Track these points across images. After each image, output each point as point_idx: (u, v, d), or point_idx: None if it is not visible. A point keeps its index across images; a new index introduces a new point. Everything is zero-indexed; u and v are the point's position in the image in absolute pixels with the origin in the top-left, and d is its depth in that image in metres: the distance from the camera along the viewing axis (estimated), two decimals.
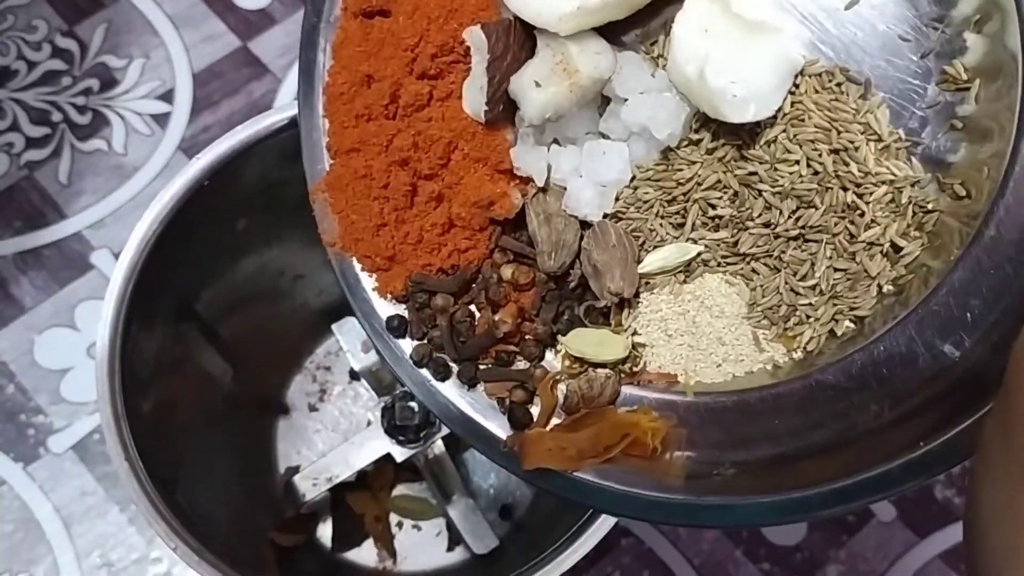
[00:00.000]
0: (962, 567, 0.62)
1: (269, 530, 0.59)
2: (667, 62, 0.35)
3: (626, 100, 0.36)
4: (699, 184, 0.36)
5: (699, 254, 0.36)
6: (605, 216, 0.37)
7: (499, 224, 0.37)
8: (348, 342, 0.58)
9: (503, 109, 0.36)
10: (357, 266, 0.38)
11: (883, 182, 0.34)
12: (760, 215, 0.35)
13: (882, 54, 0.35)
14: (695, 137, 0.36)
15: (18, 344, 0.66)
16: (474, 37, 0.36)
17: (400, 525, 0.63)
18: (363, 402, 0.66)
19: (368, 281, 0.38)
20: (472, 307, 0.37)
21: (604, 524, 0.46)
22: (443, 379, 0.37)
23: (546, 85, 0.35)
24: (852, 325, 0.35)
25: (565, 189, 0.37)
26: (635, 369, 0.36)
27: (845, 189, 0.35)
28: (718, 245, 0.36)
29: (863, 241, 0.35)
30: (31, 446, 0.64)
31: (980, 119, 0.34)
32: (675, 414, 0.35)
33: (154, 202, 0.50)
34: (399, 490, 0.63)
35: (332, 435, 0.65)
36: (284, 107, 0.51)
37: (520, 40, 0.36)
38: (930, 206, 0.35)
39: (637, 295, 0.36)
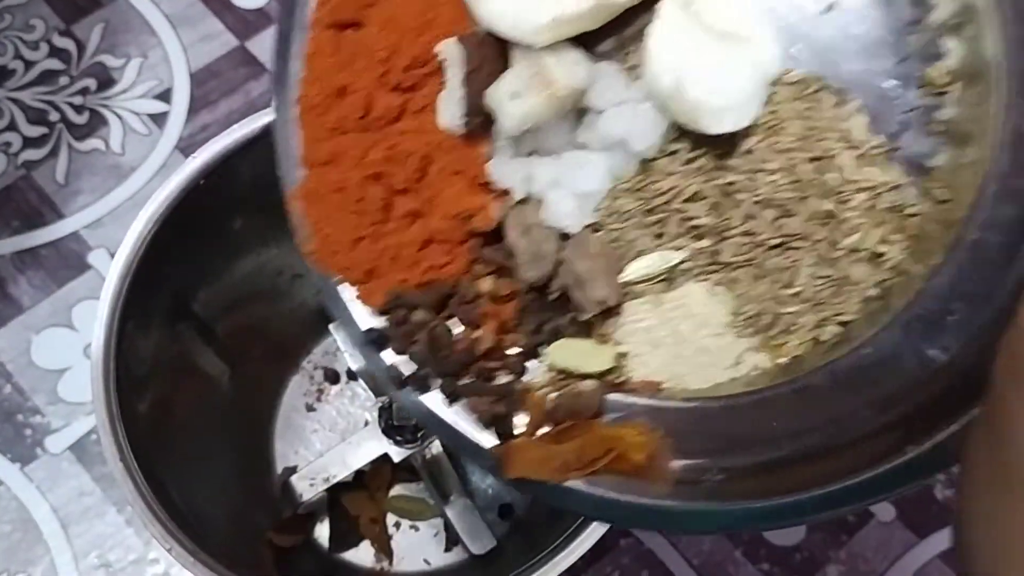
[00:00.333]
0: None
1: (266, 530, 0.59)
2: (643, 74, 0.35)
3: (602, 112, 0.36)
4: (678, 195, 0.36)
5: (682, 261, 0.36)
6: (585, 227, 0.36)
7: (481, 237, 0.37)
8: (346, 342, 0.58)
9: (480, 122, 0.36)
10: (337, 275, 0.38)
11: (862, 189, 0.34)
12: (741, 224, 0.35)
13: (860, 58, 0.35)
14: (673, 148, 0.36)
15: (15, 344, 0.66)
16: (450, 49, 0.36)
17: (398, 525, 0.63)
18: (360, 402, 0.66)
19: (349, 291, 0.37)
20: (453, 321, 0.37)
21: (602, 524, 0.46)
22: (424, 392, 0.36)
23: (524, 96, 0.34)
24: (837, 330, 0.35)
25: (543, 201, 0.36)
26: (620, 380, 0.36)
27: (824, 197, 0.34)
28: (700, 254, 0.36)
29: (844, 248, 0.34)
30: (28, 446, 0.64)
31: (960, 123, 0.34)
32: (663, 419, 0.35)
33: (149, 201, 0.50)
34: (397, 490, 0.63)
35: (329, 435, 0.65)
36: None
37: (495, 52, 0.35)
38: (912, 210, 0.34)
39: (619, 305, 0.36)
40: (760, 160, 0.35)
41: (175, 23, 0.76)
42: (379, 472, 0.63)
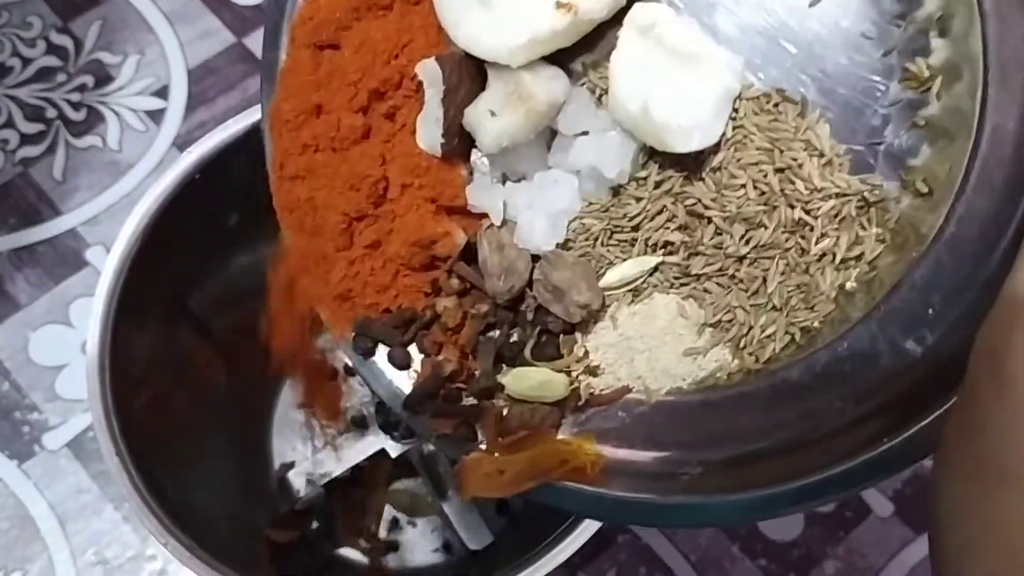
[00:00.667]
0: None
1: (263, 527, 0.59)
2: (609, 102, 0.35)
3: (574, 137, 0.36)
4: (647, 217, 0.36)
5: (656, 267, 0.36)
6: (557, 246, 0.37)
7: (459, 258, 0.37)
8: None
9: (458, 143, 0.36)
10: None
11: (829, 196, 0.34)
12: (710, 240, 0.35)
13: (844, 51, 0.35)
14: (642, 174, 0.36)
15: (13, 341, 0.66)
16: (427, 70, 0.36)
17: (395, 521, 0.63)
18: (358, 398, 0.66)
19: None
20: (413, 348, 0.37)
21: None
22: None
23: (501, 114, 0.35)
24: (810, 335, 0.35)
25: (516, 223, 0.36)
26: (579, 404, 0.36)
27: (792, 207, 0.34)
28: (669, 268, 0.36)
29: (814, 255, 0.35)
30: (26, 443, 0.64)
31: (942, 117, 0.34)
32: (638, 414, 0.35)
33: (144, 197, 0.50)
34: (394, 486, 0.63)
35: (326, 431, 0.65)
36: None
37: (473, 72, 0.36)
38: (889, 205, 0.34)
39: (603, 309, 0.36)
40: (728, 176, 0.35)
41: (172, 20, 0.76)
42: (376, 468, 0.62)
